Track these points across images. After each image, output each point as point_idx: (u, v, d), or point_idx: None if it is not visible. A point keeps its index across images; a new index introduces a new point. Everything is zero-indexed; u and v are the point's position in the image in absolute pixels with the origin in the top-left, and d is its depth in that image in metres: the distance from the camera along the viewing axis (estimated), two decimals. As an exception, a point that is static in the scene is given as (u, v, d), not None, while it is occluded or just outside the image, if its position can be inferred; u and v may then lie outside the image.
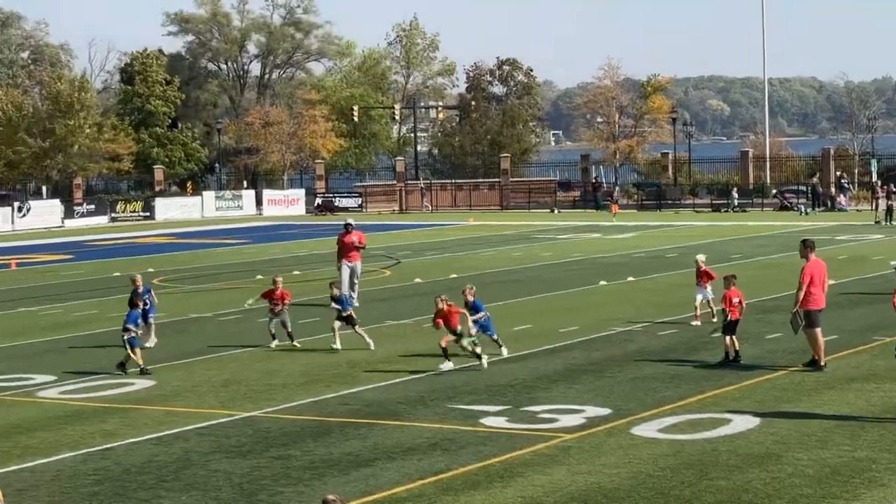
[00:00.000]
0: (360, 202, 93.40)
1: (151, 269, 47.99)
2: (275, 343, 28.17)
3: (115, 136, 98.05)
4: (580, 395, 22.04)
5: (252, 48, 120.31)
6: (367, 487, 16.57)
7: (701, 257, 30.88)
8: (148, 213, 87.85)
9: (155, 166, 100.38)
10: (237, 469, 17.80)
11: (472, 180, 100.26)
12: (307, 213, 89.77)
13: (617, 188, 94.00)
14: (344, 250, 35.64)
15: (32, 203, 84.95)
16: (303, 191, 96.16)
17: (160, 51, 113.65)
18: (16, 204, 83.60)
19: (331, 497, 11.43)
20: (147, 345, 27.78)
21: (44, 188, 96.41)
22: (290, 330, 28.25)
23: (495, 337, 26.14)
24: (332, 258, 38.60)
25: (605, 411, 20.63)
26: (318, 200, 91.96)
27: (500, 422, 20.19)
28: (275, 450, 18.82)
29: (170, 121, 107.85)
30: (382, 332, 29.74)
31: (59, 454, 19.01)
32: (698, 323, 29.53)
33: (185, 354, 27.67)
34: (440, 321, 24.78)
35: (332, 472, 17.44)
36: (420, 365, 25.36)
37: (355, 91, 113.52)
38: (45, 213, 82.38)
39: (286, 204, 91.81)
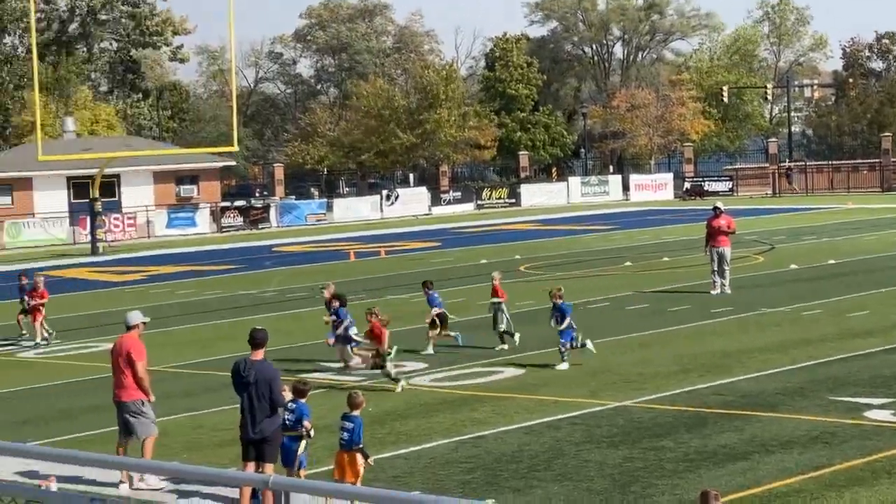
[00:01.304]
0: (730, 186, 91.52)
1: (518, 256, 48.18)
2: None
3: (479, 124, 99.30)
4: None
5: (615, 31, 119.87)
6: (744, 481, 15.95)
7: None
8: (513, 200, 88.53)
9: (519, 152, 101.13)
10: (609, 459, 17.43)
11: (850, 161, 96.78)
12: (675, 197, 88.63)
13: None
14: (713, 234, 34.77)
15: (400, 191, 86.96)
16: (670, 175, 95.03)
17: (523, 35, 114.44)
18: (384, 192, 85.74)
19: (710, 491, 11.00)
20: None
21: (411, 176, 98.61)
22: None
23: (574, 344, 24.72)
24: (699, 244, 37.76)
25: None
26: (687, 185, 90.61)
27: (885, 415, 19.12)
28: (647, 441, 18.35)
29: (532, 104, 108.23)
30: (754, 321, 28.78)
31: (431, 441, 19.07)
32: None
33: (551, 343, 27.36)
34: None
35: (707, 465, 16.87)
36: (798, 355, 24.34)
37: (723, 72, 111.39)
38: (412, 201, 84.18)
39: (654, 189, 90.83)
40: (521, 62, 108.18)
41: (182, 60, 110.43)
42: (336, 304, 25.14)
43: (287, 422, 16.07)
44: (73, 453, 7.09)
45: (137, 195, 77.35)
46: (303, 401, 16.29)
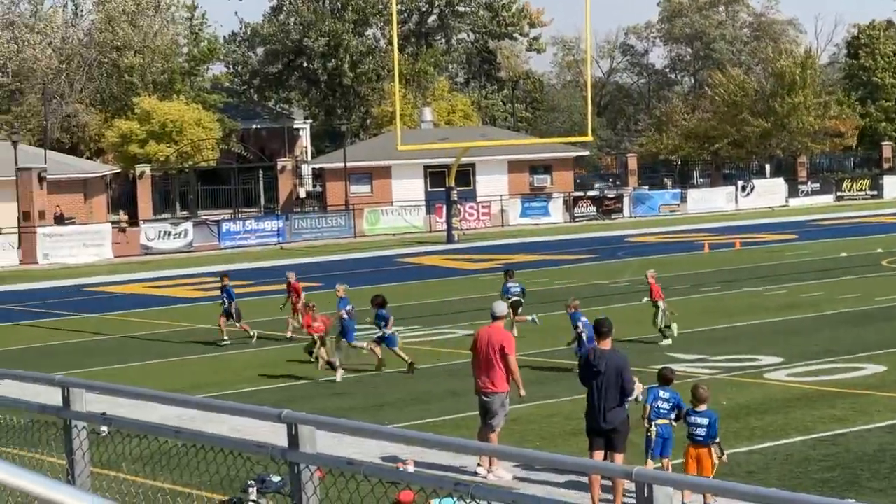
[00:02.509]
0: None
1: (880, 250, 46.52)
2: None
3: (840, 113, 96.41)
4: None
5: None
6: None
7: None
8: (875, 192, 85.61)
9: (883, 143, 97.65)
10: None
11: None
12: None
13: None
14: None
15: (756, 182, 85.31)
16: None
17: (889, 22, 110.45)
18: (739, 183, 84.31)
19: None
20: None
21: (766, 166, 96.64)
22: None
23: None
24: None
25: None
26: None
27: None
28: None
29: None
30: None
31: (788, 438, 18.56)
32: None
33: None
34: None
35: None
36: None
37: None
38: (768, 193, 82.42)
39: None
40: (888, 50, 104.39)
41: (538, 51, 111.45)
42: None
43: (660, 410, 15.85)
44: (435, 437, 7.13)
45: (492, 184, 78.51)
46: (668, 387, 16.12)
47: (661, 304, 27.91)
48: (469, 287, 41.30)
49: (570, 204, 75.70)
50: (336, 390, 24.38)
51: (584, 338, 23.24)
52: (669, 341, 27.33)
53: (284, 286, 31.80)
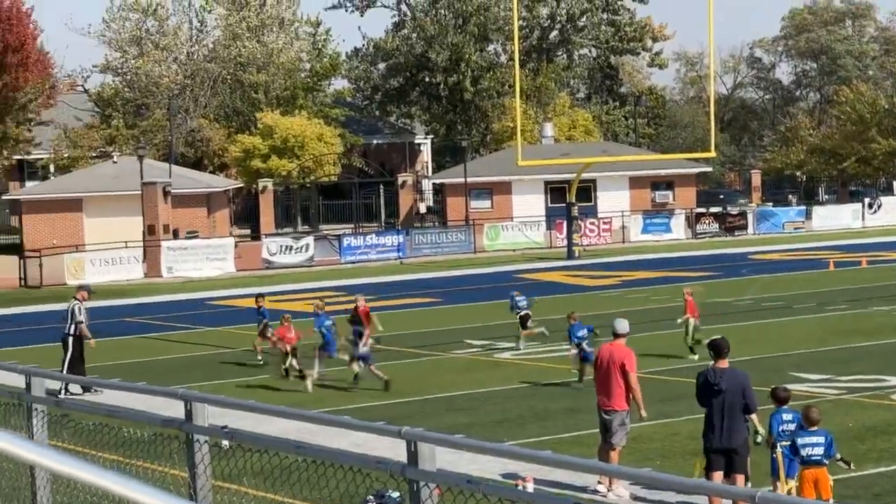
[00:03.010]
0: None
1: None
2: None
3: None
4: None
5: None
6: None
7: None
8: None
9: None
10: None
11: None
12: None
13: None
14: None
15: (883, 199, 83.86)
16: None
17: None
18: (866, 200, 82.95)
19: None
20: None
21: (894, 183, 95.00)
22: None
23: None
24: None
25: None
26: None
27: None
28: None
29: None
30: None
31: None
32: None
33: None
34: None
35: None
36: None
37: None
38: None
39: None
40: None
41: (660, 66, 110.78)
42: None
43: (785, 432, 15.59)
44: (554, 456, 7.04)
45: (613, 200, 78.11)
46: (786, 407, 15.88)
47: (693, 321, 28.79)
48: (589, 303, 41.09)
49: (693, 220, 75.05)
50: (455, 406, 24.36)
51: (584, 347, 25.53)
52: (697, 356, 27.50)
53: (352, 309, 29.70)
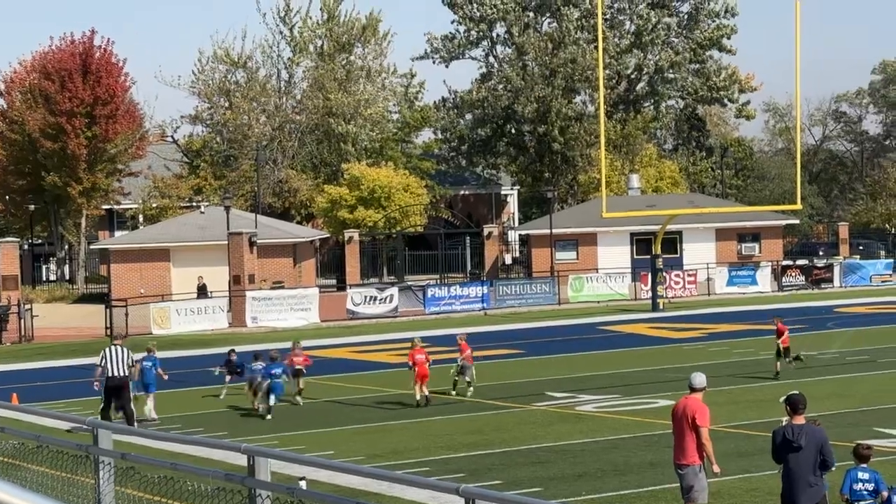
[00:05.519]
0: None
1: None
2: None
3: None
4: None
5: None
6: None
7: None
8: None
9: None
10: None
11: None
12: None
13: None
14: None
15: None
16: None
17: None
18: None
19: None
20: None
21: None
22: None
23: None
24: None
25: None
26: None
27: None
28: None
29: None
30: None
31: None
32: None
33: None
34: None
35: None
36: None
37: None
38: None
39: None
40: None
41: (748, 117, 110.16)
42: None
43: (861, 493, 15.39)
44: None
45: (699, 252, 77.66)
46: (865, 466, 15.69)
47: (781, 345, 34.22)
48: (673, 356, 40.79)
49: (779, 273, 74.31)
50: (535, 458, 24.24)
51: None
52: (802, 360, 32.60)
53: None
